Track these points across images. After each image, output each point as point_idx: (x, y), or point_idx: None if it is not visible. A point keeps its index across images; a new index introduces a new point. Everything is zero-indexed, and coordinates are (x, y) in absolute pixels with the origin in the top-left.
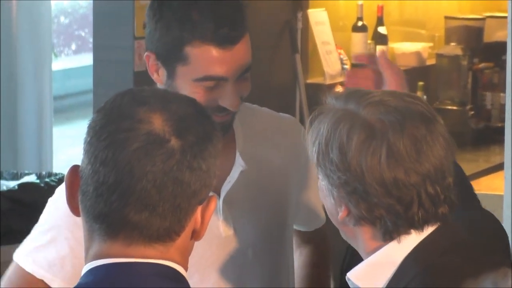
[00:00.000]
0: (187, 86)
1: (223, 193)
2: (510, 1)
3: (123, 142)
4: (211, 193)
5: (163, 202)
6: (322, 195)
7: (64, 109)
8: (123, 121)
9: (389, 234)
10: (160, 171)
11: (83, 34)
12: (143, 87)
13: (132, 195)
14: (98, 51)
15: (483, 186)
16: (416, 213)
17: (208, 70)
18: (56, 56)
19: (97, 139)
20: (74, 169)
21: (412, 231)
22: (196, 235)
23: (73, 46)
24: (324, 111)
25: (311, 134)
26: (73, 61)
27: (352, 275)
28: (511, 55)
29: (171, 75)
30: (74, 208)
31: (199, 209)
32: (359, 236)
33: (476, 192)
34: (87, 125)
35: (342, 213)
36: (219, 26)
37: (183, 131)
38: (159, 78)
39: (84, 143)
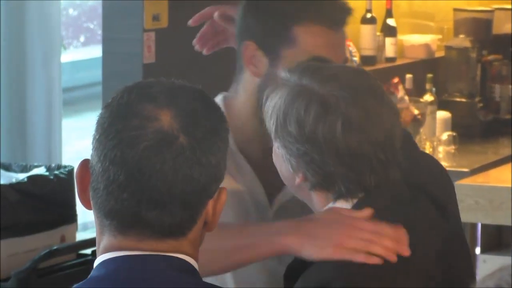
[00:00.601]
0: None
1: (276, 204)
2: None
3: (132, 140)
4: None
5: (174, 199)
6: (279, 162)
7: (73, 101)
8: (131, 119)
9: (343, 197)
10: (170, 168)
11: (91, 26)
12: (149, 80)
13: (143, 193)
14: (107, 43)
15: (491, 179)
16: (368, 179)
17: (316, 51)
18: (65, 48)
19: (106, 137)
20: (84, 163)
21: (364, 194)
22: (208, 227)
23: (82, 38)
24: (279, 86)
25: (267, 107)
26: (82, 53)
27: None
28: None
29: (274, 61)
30: (85, 202)
31: (210, 202)
32: (314, 198)
33: (485, 184)
34: (96, 121)
35: (299, 179)
36: (329, 7)
37: (191, 127)
38: (256, 70)
39: (93, 139)
